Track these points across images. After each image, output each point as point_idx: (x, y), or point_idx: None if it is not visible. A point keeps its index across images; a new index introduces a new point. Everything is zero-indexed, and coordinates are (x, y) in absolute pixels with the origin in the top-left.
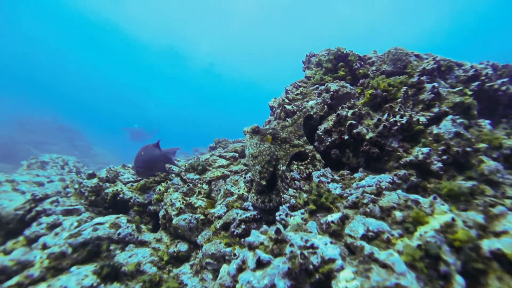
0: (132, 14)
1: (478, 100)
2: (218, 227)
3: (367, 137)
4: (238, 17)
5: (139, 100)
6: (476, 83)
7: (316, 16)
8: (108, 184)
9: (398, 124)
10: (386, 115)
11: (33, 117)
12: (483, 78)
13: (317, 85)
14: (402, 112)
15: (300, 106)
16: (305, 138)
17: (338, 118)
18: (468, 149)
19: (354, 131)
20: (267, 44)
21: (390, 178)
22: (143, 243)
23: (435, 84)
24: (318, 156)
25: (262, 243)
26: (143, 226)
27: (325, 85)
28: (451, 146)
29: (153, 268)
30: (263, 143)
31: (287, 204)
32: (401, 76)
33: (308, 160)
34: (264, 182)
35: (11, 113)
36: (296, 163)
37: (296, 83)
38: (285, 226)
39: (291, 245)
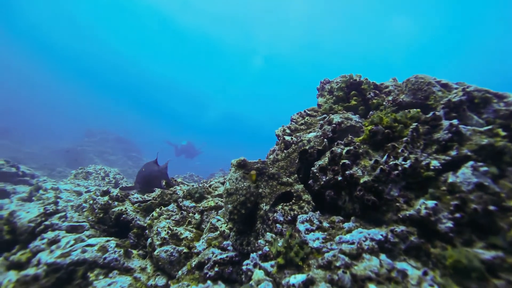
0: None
1: None
2: (193, 265)
3: (361, 181)
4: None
5: (199, 107)
6: None
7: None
8: (116, 203)
9: (399, 168)
10: (385, 157)
11: (98, 128)
12: None
13: (325, 115)
14: (406, 154)
15: (300, 137)
16: (295, 176)
17: (332, 156)
18: (491, 207)
19: (347, 172)
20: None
21: (382, 234)
22: (128, 270)
23: (454, 121)
24: (306, 197)
25: None
26: (134, 251)
27: (328, 116)
28: (469, 201)
29: None
30: (243, 180)
31: (260, 252)
32: (411, 110)
33: (293, 200)
34: (230, 225)
35: (81, 124)
36: (282, 204)
37: (304, 111)
38: (250, 279)
39: None
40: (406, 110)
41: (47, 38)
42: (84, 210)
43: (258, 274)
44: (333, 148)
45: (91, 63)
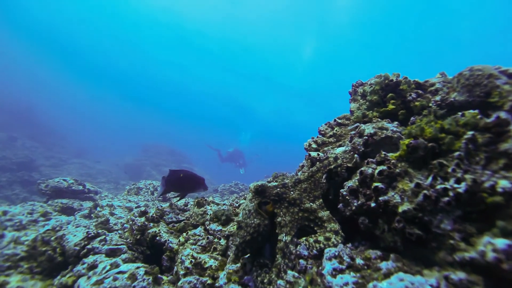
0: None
1: None
2: None
3: (400, 209)
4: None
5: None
6: None
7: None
8: (152, 224)
9: (451, 194)
10: (430, 179)
11: (152, 143)
12: None
13: (358, 124)
14: (460, 175)
15: (327, 153)
16: (321, 200)
17: (362, 178)
18: None
19: (381, 198)
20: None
21: (432, 285)
22: None
23: None
24: (333, 225)
25: None
26: (164, 278)
27: (358, 127)
28: None
29: None
30: (255, 215)
31: None
32: (465, 113)
33: (320, 230)
34: (237, 263)
35: (138, 140)
36: (306, 236)
37: (334, 120)
38: None
39: None
40: (457, 115)
41: (100, 62)
42: (125, 230)
43: None
44: (362, 168)
45: (141, 83)
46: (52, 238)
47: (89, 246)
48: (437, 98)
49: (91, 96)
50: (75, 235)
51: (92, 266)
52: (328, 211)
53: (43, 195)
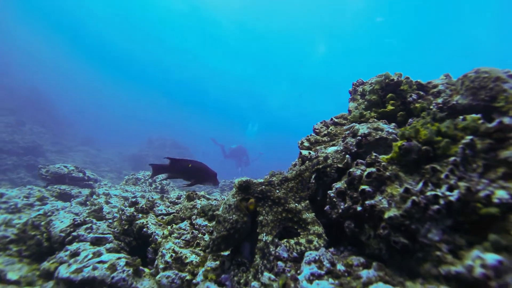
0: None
1: None
2: None
3: (386, 215)
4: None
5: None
6: None
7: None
8: (140, 215)
9: (442, 201)
10: (421, 184)
11: (157, 135)
12: None
13: (354, 124)
14: (453, 182)
15: (318, 152)
16: (307, 201)
17: (350, 179)
18: None
19: (367, 202)
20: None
21: None
22: None
23: None
24: (316, 228)
25: None
26: (146, 270)
27: (352, 127)
28: None
29: None
30: (235, 210)
31: None
32: (467, 117)
33: (303, 233)
34: (217, 260)
35: (144, 131)
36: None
37: (331, 119)
38: None
39: None
40: (458, 118)
41: (113, 49)
42: (115, 220)
43: None
44: (350, 170)
45: (150, 73)
46: (43, 223)
47: (74, 233)
48: (439, 100)
49: (101, 85)
50: (62, 221)
51: (75, 254)
52: (313, 213)
53: (43, 180)
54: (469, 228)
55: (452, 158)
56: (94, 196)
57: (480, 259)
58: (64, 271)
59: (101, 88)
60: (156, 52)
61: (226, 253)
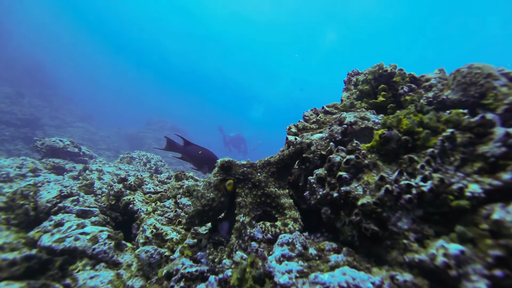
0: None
1: None
2: (163, 274)
3: (360, 202)
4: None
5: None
6: None
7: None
8: (128, 192)
9: (414, 191)
10: (396, 173)
11: (157, 117)
12: None
13: (343, 113)
14: (427, 173)
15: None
16: (287, 187)
17: (330, 165)
18: None
19: (343, 188)
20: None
21: (374, 283)
22: (115, 264)
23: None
24: (293, 213)
25: None
26: (129, 245)
27: (340, 114)
28: None
29: None
30: (213, 189)
31: (220, 276)
32: (452, 111)
33: (280, 218)
34: (195, 238)
35: (144, 112)
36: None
37: (323, 107)
38: None
39: None
40: (443, 112)
41: (117, 30)
42: (103, 195)
43: None
44: (330, 156)
45: (152, 56)
46: (31, 193)
47: (60, 205)
48: (430, 94)
49: (103, 62)
50: (49, 192)
51: (59, 224)
52: (291, 200)
53: (38, 153)
54: (439, 219)
55: (430, 150)
56: (87, 172)
57: (444, 248)
58: (46, 240)
59: (103, 67)
60: (159, 35)
61: (204, 231)
